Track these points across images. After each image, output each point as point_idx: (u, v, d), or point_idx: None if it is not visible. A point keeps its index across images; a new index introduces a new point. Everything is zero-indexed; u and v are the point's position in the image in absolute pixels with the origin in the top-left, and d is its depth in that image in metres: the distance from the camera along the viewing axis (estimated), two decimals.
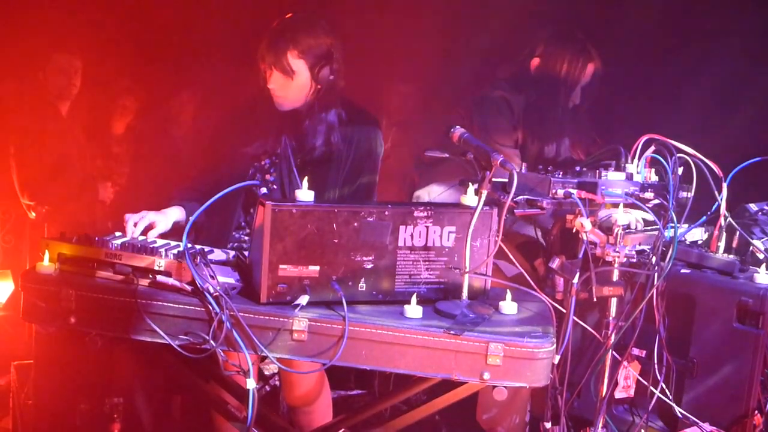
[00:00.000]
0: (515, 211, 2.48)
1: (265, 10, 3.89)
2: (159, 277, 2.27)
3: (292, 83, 2.79)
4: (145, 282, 2.29)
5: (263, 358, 2.33)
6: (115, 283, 2.31)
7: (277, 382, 3.58)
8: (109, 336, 2.36)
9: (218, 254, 2.57)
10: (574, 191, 2.50)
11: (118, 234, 2.54)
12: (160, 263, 2.29)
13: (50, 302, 2.28)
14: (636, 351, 2.80)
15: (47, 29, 4.50)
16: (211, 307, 2.20)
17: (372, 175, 2.97)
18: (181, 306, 2.24)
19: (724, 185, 2.75)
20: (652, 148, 2.65)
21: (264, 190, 2.89)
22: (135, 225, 2.60)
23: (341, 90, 2.90)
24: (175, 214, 2.75)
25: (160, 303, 2.25)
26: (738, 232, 2.97)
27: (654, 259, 2.60)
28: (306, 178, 2.39)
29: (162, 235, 2.65)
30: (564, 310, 2.43)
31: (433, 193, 3.45)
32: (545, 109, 3.37)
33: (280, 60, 2.75)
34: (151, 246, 2.37)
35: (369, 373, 3.68)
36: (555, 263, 2.56)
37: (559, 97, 3.37)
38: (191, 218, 2.41)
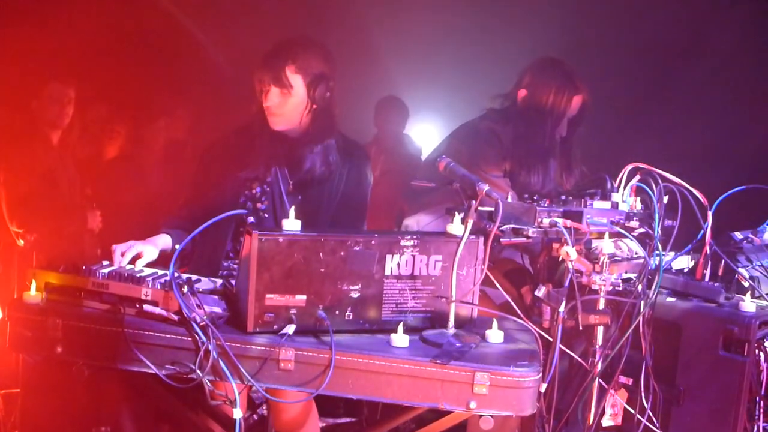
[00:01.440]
0: (501, 239, 2.50)
1: (259, 36, 3.92)
2: (146, 307, 2.28)
3: (290, 99, 2.81)
4: (132, 311, 2.30)
5: (251, 387, 2.32)
6: (102, 312, 2.31)
7: (265, 411, 3.56)
8: (96, 365, 2.36)
9: (205, 283, 2.57)
10: (560, 220, 2.52)
11: (105, 263, 2.54)
12: (147, 292, 2.29)
13: (37, 332, 2.28)
14: (623, 379, 2.80)
15: (40, 58, 4.52)
16: (197, 337, 2.20)
17: (361, 206, 2.97)
18: (167, 335, 2.24)
19: (710, 213, 2.77)
20: (638, 176, 2.67)
21: (251, 219, 2.90)
22: (122, 254, 2.60)
23: (336, 116, 2.91)
24: (162, 242, 2.76)
25: (147, 332, 2.25)
26: (723, 261, 2.99)
27: (640, 287, 2.61)
28: (293, 207, 2.40)
29: (150, 264, 2.65)
30: (551, 339, 2.44)
31: (422, 221, 3.45)
32: (532, 140, 3.37)
33: (278, 75, 2.78)
34: (138, 275, 2.37)
35: (358, 400, 3.66)
36: (541, 291, 2.57)
37: (546, 129, 3.36)
38: (178, 247, 2.41)
